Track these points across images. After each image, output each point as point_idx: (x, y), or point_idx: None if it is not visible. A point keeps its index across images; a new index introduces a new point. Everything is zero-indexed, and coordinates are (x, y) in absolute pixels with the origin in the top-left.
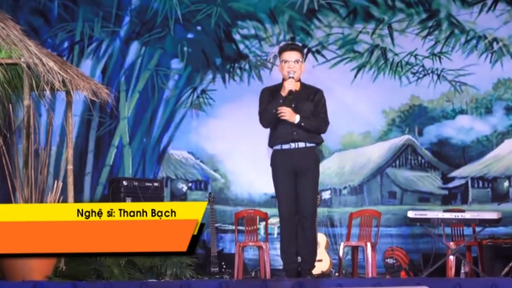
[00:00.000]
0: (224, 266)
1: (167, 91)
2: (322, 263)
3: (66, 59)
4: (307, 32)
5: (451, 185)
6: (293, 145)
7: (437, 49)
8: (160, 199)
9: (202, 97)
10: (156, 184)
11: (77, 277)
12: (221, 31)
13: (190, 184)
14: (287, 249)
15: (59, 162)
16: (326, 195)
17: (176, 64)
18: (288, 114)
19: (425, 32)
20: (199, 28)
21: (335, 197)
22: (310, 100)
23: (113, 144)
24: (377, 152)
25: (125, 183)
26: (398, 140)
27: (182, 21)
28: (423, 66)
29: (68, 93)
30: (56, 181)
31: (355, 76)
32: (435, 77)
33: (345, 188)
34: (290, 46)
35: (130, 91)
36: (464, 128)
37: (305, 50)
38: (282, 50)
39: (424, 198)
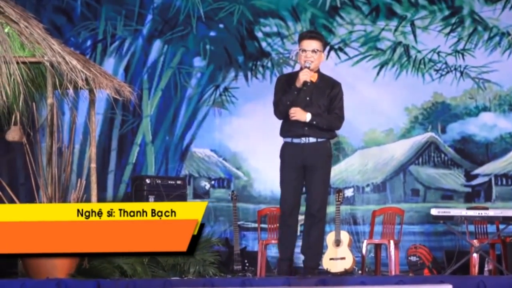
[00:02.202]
0: (247, 264)
1: (189, 89)
2: (345, 261)
3: (89, 58)
4: (329, 30)
5: (474, 182)
6: (303, 139)
7: (460, 46)
8: (183, 197)
9: (225, 95)
10: (179, 182)
11: (100, 275)
12: (244, 29)
13: (213, 182)
14: (285, 244)
15: (82, 161)
16: (348, 192)
17: (198, 62)
18: (299, 114)
19: (448, 29)
20: (221, 26)
21: (358, 195)
22: (327, 95)
23: (136, 142)
24: (400, 149)
25: (148, 181)
26: (421, 138)
27: (205, 19)
28: (446, 63)
29: (91, 91)
30: (79, 180)
31: (378, 73)
32: (458, 74)
33: (368, 185)
34: (310, 34)
35: (153, 89)
36: (487, 125)
37: (328, 47)
38: (301, 38)
39: (447, 195)
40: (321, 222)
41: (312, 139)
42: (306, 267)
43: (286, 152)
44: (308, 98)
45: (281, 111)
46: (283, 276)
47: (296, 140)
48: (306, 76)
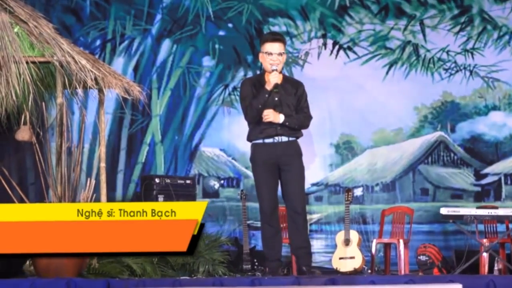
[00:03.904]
0: (256, 263)
1: (198, 89)
2: (355, 260)
3: (98, 57)
4: (338, 29)
5: (484, 181)
6: (276, 139)
7: (470, 45)
8: (192, 196)
9: (234, 94)
10: (188, 181)
11: (110, 274)
12: (252, 28)
13: (222, 181)
14: (272, 245)
15: (92, 160)
16: (358, 192)
17: (207, 61)
18: (272, 116)
19: (457, 28)
20: (230, 25)
21: (367, 194)
22: (293, 94)
23: (145, 142)
24: (409, 148)
25: (157, 180)
26: (430, 137)
27: (214, 18)
28: (455, 62)
29: (100, 91)
30: (88, 179)
31: (387, 72)
32: (468, 73)
33: (377, 185)
34: (273, 37)
35: (162, 88)
36: (497, 124)
37: (337, 47)
38: (264, 40)
39: (457, 195)
40: (305, 221)
41: (284, 138)
42: (300, 267)
43: (258, 153)
44: (277, 99)
45: (253, 115)
46: (292, 276)
47: (268, 141)
48: (276, 78)
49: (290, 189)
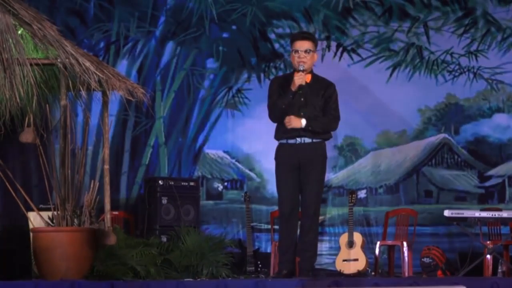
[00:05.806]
0: (260, 265)
1: (202, 91)
2: (358, 262)
3: (102, 59)
4: (342, 31)
5: (488, 183)
6: (299, 139)
7: (473, 47)
8: (196, 198)
9: (238, 96)
10: (192, 183)
11: (114, 277)
12: (256, 30)
13: (226, 184)
14: (286, 247)
15: (96, 162)
16: (362, 194)
17: (211, 63)
18: (294, 122)
19: (461, 30)
20: (234, 27)
21: (371, 196)
22: (321, 96)
23: (149, 144)
24: (413, 150)
25: (161, 182)
26: (434, 139)
27: (217, 20)
28: (459, 64)
29: (104, 93)
30: (92, 181)
31: (391, 74)
32: (471, 75)
33: (381, 187)
34: (302, 35)
35: (166, 90)
36: (500, 126)
37: (340, 49)
38: (293, 39)
39: (461, 197)
40: (314, 225)
41: (307, 140)
42: (301, 269)
43: (281, 153)
44: (302, 99)
45: (276, 114)
46: (296, 278)
47: (291, 141)
48: (301, 79)
49: (305, 190)
